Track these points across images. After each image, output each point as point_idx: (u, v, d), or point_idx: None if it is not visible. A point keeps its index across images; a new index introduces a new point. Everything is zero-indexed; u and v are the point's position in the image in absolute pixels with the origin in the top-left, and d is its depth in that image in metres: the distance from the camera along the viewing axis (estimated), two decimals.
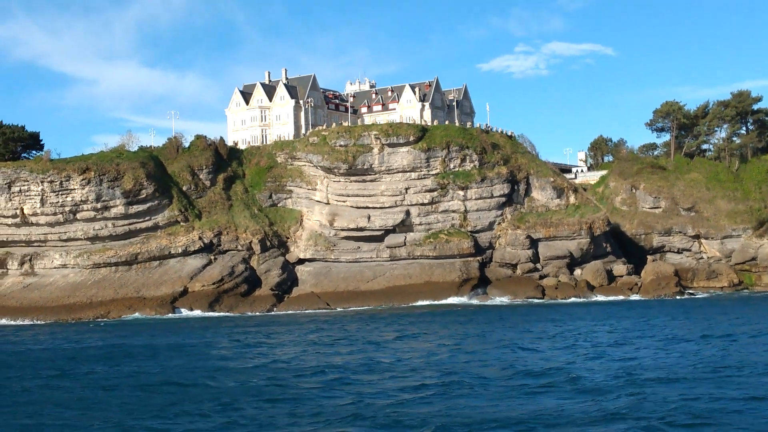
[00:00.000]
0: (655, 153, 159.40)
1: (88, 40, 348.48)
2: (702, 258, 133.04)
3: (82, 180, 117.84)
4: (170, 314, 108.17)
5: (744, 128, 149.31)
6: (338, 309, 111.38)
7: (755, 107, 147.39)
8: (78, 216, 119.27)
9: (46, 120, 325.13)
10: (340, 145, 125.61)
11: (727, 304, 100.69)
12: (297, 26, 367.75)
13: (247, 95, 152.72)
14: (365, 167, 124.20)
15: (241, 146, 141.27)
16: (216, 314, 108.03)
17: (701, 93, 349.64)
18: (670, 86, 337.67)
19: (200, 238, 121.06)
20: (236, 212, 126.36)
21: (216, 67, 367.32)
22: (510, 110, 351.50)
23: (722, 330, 63.58)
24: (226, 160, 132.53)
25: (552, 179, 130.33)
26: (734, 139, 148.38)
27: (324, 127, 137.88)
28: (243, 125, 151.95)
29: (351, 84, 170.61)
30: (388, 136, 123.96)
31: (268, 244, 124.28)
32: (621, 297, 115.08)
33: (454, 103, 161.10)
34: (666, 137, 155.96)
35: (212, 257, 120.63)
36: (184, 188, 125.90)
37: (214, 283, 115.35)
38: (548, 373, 42.86)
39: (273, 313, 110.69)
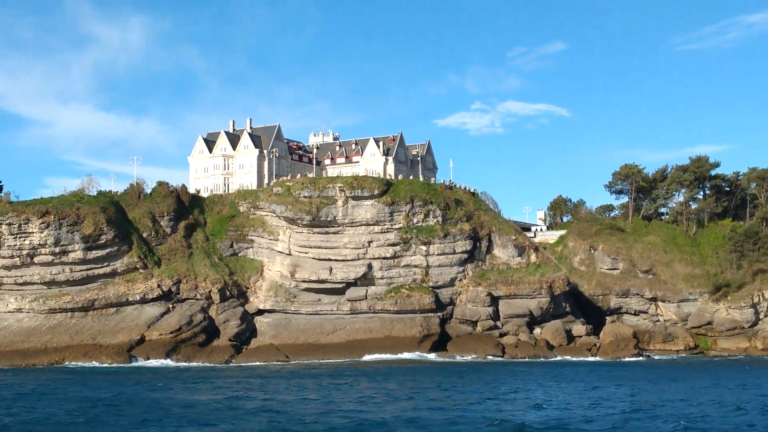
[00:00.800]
0: (612, 214, 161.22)
1: (45, 82, 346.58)
2: (659, 320, 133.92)
3: (41, 223, 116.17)
4: (127, 363, 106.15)
5: (701, 193, 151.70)
6: (297, 361, 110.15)
7: (713, 173, 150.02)
8: (35, 260, 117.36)
9: None
10: (305, 197, 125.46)
11: (685, 367, 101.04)
12: (257, 77, 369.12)
13: (210, 143, 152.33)
14: (329, 219, 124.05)
15: (204, 194, 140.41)
16: (174, 364, 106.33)
17: (654, 157, 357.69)
18: (623, 149, 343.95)
19: (159, 286, 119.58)
20: (196, 260, 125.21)
21: (173, 114, 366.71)
22: (467, 167, 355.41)
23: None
24: (187, 207, 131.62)
25: (514, 237, 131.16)
26: (691, 203, 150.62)
27: (288, 177, 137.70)
28: (206, 173, 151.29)
29: (314, 135, 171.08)
30: (352, 189, 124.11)
31: (228, 293, 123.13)
32: (580, 358, 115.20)
33: (418, 158, 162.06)
34: (623, 199, 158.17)
35: (170, 305, 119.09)
36: (145, 235, 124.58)
37: (172, 332, 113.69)
38: None
39: (231, 365, 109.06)
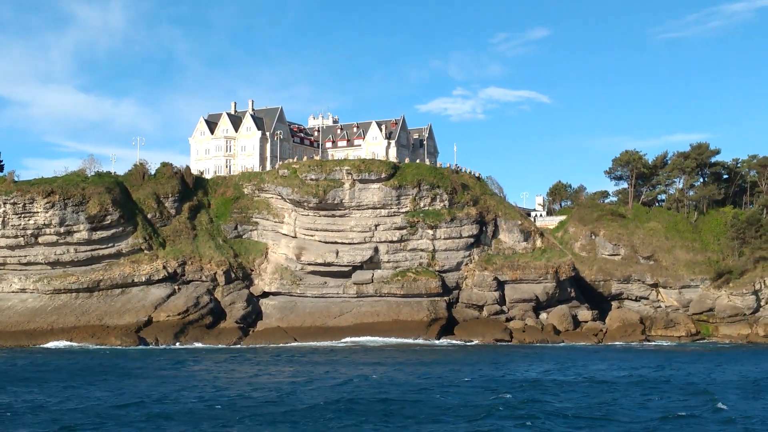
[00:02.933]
0: (607, 201, 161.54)
1: (25, 63, 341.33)
2: (660, 307, 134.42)
3: (46, 203, 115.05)
4: (136, 345, 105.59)
5: (701, 180, 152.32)
6: (310, 343, 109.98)
7: (713, 160, 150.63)
8: (40, 240, 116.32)
9: None
10: (311, 179, 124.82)
11: (708, 355, 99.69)
12: (238, 59, 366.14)
13: (212, 124, 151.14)
14: (335, 202, 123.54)
15: (206, 176, 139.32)
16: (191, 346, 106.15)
17: (634, 144, 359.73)
18: (603, 137, 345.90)
19: (164, 267, 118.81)
20: (201, 242, 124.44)
21: (154, 96, 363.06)
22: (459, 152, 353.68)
23: None
24: (191, 189, 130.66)
25: (519, 222, 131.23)
26: (689, 191, 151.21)
27: (292, 160, 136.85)
28: (207, 154, 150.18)
29: (314, 118, 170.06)
30: (360, 172, 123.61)
31: (233, 276, 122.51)
32: (587, 343, 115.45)
33: (420, 142, 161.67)
34: (622, 185, 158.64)
35: (176, 287, 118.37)
36: (149, 216, 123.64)
37: (179, 314, 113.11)
38: None
39: (240, 346, 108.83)
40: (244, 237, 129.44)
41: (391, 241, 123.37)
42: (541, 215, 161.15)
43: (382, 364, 75.83)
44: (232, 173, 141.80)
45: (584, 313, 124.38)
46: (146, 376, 65.65)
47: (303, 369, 72.07)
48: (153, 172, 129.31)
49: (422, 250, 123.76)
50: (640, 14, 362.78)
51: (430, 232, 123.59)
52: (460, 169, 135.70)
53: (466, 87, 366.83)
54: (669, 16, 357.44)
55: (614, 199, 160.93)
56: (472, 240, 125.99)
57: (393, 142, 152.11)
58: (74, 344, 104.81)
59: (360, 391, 53.73)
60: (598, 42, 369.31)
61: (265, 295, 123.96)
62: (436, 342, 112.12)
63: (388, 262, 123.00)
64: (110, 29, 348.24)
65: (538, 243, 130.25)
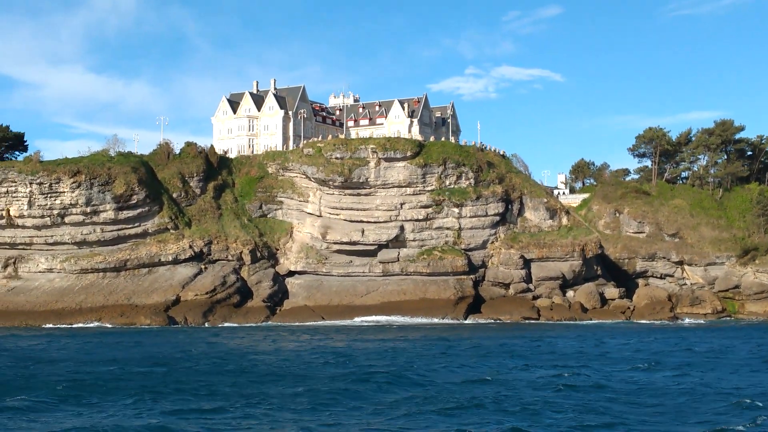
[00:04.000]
0: (628, 179, 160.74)
1: (35, 44, 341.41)
2: (685, 284, 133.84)
3: (73, 183, 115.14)
4: (165, 324, 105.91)
5: (724, 157, 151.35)
6: (336, 322, 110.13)
7: (737, 136, 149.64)
8: (66, 219, 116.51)
9: None
10: (336, 158, 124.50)
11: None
12: (248, 39, 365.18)
13: (234, 104, 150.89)
14: (361, 181, 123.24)
15: (228, 155, 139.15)
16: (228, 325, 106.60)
17: (646, 122, 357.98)
18: (615, 114, 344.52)
19: (191, 247, 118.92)
20: (226, 222, 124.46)
21: (164, 77, 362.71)
22: (474, 130, 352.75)
23: None
24: (216, 168, 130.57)
25: (545, 200, 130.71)
26: (712, 168, 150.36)
27: (317, 139, 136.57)
28: (229, 134, 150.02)
29: (335, 97, 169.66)
30: (385, 150, 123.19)
31: (259, 255, 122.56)
32: (615, 320, 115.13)
33: (444, 120, 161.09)
34: (644, 162, 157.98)
35: (203, 266, 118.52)
36: (174, 195, 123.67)
37: (207, 293, 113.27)
38: None
39: (269, 323, 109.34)
40: (268, 216, 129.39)
41: (417, 220, 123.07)
42: (564, 193, 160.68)
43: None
44: (255, 153, 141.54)
45: (611, 291, 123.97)
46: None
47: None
48: (177, 152, 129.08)
49: (448, 228, 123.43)
50: None
51: (456, 210, 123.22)
52: (485, 147, 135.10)
53: (478, 66, 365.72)
54: None
55: (636, 176, 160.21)
56: (497, 218, 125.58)
57: (416, 121, 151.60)
58: (105, 324, 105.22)
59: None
60: (610, 19, 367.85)
61: (291, 274, 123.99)
62: (465, 321, 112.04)
63: (414, 240, 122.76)
64: (120, 9, 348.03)
65: (564, 221, 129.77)
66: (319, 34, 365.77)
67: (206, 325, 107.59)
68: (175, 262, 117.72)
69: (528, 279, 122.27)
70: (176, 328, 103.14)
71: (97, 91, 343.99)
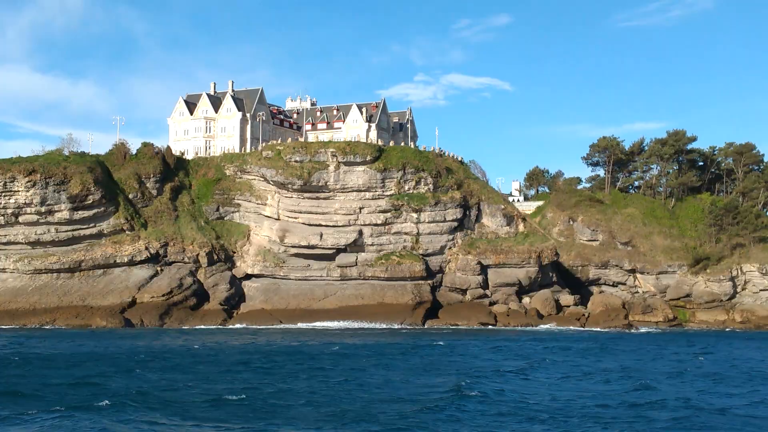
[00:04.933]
0: (579, 187, 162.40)
1: None
2: (637, 292, 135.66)
3: (28, 182, 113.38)
4: (121, 326, 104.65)
5: (676, 167, 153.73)
6: (299, 326, 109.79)
7: (689, 146, 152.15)
8: (20, 219, 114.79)
9: None
10: (296, 161, 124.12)
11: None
12: (198, 41, 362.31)
13: (191, 105, 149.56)
14: (320, 184, 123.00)
15: (185, 157, 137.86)
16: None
17: (594, 132, 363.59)
18: (564, 124, 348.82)
19: (147, 248, 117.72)
20: (183, 223, 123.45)
21: (111, 77, 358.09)
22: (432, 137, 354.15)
23: None
24: (172, 169, 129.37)
25: (503, 206, 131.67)
26: (663, 178, 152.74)
27: (271, 141, 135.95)
28: (186, 135, 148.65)
29: (292, 101, 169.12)
30: (345, 154, 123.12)
31: (215, 257, 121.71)
32: (569, 327, 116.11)
33: (402, 125, 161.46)
34: (597, 171, 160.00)
35: (159, 268, 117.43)
36: (131, 196, 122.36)
37: (163, 295, 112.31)
38: None
39: (228, 327, 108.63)
40: (225, 219, 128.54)
41: (376, 224, 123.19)
42: (518, 200, 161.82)
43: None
44: (212, 155, 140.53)
45: (566, 298, 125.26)
46: None
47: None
48: (134, 153, 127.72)
49: (406, 233, 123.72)
50: (602, 2, 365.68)
51: (415, 215, 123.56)
52: (444, 153, 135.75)
53: (427, 73, 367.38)
54: (631, 5, 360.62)
55: (588, 185, 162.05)
56: (455, 224, 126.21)
57: (374, 125, 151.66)
58: (59, 326, 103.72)
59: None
60: (560, 30, 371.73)
61: (248, 277, 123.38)
62: (425, 327, 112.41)
63: (372, 245, 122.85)
64: (67, 9, 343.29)
65: (521, 227, 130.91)
66: (268, 37, 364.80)
67: (164, 327, 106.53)
68: (131, 263, 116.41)
69: (485, 285, 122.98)
70: (133, 330, 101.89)
71: (42, 91, 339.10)
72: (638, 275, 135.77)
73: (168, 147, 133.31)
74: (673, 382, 51.36)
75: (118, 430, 33.17)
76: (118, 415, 36.07)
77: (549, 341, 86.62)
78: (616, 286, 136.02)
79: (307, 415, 36.93)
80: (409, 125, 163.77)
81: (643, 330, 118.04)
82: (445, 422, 35.55)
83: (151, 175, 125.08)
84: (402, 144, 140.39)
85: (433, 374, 53.02)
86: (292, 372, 53.25)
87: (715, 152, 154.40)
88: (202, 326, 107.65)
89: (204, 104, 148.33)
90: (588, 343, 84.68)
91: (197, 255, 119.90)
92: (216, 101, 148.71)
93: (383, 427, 34.31)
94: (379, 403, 40.27)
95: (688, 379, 53.90)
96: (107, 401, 39.23)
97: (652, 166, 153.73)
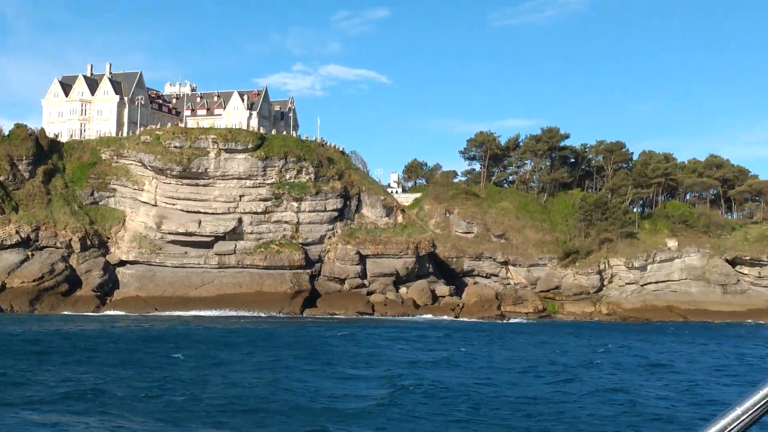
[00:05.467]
0: (455, 180, 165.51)
1: None
2: (509, 284, 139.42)
3: None
4: None
5: (549, 163, 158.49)
6: (171, 313, 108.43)
7: (562, 144, 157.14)
8: None
9: None
10: (175, 147, 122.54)
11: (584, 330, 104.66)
12: (72, 23, 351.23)
13: (67, 87, 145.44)
14: (200, 171, 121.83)
15: (59, 139, 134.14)
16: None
17: (464, 128, 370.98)
18: (437, 118, 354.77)
19: (17, 232, 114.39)
20: (55, 207, 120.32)
21: None
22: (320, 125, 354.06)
23: None
24: (46, 152, 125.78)
25: (382, 198, 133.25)
26: (536, 174, 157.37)
27: (149, 126, 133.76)
28: (60, 117, 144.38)
29: (171, 85, 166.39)
30: (226, 141, 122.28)
31: (89, 243, 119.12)
32: (445, 317, 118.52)
33: (283, 114, 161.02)
34: (474, 165, 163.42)
35: (30, 253, 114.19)
36: (2, 178, 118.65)
37: (34, 280, 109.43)
38: None
39: (100, 314, 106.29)
40: (100, 204, 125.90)
41: (256, 213, 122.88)
42: (396, 192, 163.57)
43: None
44: (87, 138, 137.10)
45: (442, 288, 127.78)
46: None
47: None
48: (6, 134, 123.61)
49: (286, 222, 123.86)
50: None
51: (295, 204, 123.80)
52: (326, 143, 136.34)
53: (306, 63, 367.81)
54: (506, 3, 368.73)
55: (464, 179, 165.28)
56: (336, 214, 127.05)
57: (255, 113, 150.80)
58: None
59: None
60: (436, 25, 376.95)
61: (123, 263, 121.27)
62: (303, 315, 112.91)
63: (252, 233, 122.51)
64: None
65: (400, 219, 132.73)
66: (145, 22, 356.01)
67: (34, 313, 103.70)
68: (1, 247, 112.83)
69: (363, 275, 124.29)
70: (2, 315, 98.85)
71: None
72: (510, 267, 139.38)
73: (42, 129, 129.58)
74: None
75: None
76: None
77: (440, 329, 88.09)
78: (490, 278, 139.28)
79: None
80: (291, 114, 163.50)
81: (514, 321, 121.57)
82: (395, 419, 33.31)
83: (24, 158, 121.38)
84: (284, 133, 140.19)
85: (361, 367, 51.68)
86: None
87: (587, 150, 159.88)
88: (74, 312, 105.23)
89: (80, 86, 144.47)
90: (478, 333, 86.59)
91: (70, 240, 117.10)
92: (93, 83, 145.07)
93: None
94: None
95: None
96: None
97: (527, 162, 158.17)
